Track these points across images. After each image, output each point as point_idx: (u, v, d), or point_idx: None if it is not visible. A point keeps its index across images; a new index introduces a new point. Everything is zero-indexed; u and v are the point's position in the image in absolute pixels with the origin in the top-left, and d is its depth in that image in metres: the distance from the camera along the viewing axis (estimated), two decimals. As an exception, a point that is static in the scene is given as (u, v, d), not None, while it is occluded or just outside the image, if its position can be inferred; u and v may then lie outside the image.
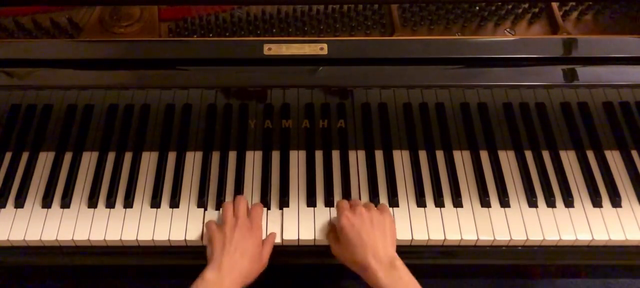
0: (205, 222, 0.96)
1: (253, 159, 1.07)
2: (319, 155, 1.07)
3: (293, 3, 0.96)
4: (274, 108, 1.01)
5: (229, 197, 1.02)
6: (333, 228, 0.96)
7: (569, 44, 0.92)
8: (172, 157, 1.06)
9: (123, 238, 0.96)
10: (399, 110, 1.03)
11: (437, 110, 1.03)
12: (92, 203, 1.00)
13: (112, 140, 1.06)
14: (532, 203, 1.00)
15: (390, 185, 1.02)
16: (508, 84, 0.92)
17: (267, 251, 0.94)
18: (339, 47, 0.90)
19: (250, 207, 0.98)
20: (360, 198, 1.01)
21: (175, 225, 0.97)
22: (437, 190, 1.01)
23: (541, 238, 0.96)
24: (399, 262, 0.87)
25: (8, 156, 1.07)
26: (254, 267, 0.90)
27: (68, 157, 1.06)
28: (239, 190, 1.02)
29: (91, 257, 1.00)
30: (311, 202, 1.00)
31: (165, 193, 1.02)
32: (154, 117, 1.03)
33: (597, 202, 1.01)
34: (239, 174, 1.04)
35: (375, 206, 0.97)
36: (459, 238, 0.96)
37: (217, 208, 1.00)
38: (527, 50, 0.91)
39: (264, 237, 0.96)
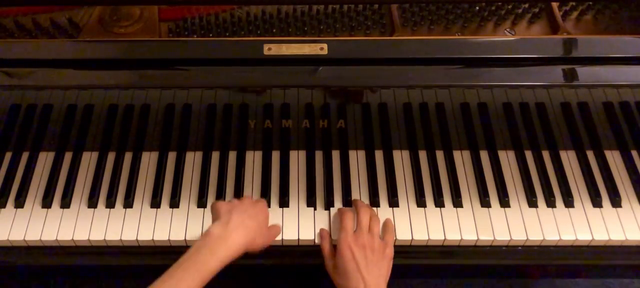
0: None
1: (253, 159, 1.07)
2: (319, 155, 1.07)
3: (293, 3, 0.96)
4: (274, 108, 1.01)
5: (228, 197, 1.02)
6: (329, 240, 0.95)
7: (569, 44, 0.92)
8: (172, 157, 1.06)
9: (123, 238, 0.96)
10: (399, 110, 1.03)
11: (437, 110, 1.03)
12: (92, 203, 1.00)
13: (112, 140, 1.06)
14: (532, 203, 1.00)
15: (390, 185, 1.02)
16: (508, 84, 0.92)
17: (274, 232, 0.93)
18: (339, 47, 0.90)
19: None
20: (360, 199, 1.01)
21: (175, 225, 0.97)
22: (437, 190, 1.01)
23: (541, 238, 0.96)
24: None
25: (8, 156, 1.07)
26: (261, 234, 0.89)
27: (68, 157, 1.07)
28: (239, 190, 1.02)
29: (91, 257, 1.00)
30: (311, 202, 1.00)
31: (165, 193, 1.02)
32: (154, 117, 1.03)
33: (597, 202, 1.01)
34: (239, 174, 1.04)
35: (378, 205, 0.96)
36: (459, 238, 0.96)
37: (217, 208, 1.00)
38: (527, 50, 0.91)
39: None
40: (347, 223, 0.93)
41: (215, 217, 0.89)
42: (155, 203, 1.00)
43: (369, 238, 0.91)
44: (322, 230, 0.97)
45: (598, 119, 1.04)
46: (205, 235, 0.84)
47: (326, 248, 0.94)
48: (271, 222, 0.98)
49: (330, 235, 0.96)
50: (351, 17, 0.95)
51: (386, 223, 0.97)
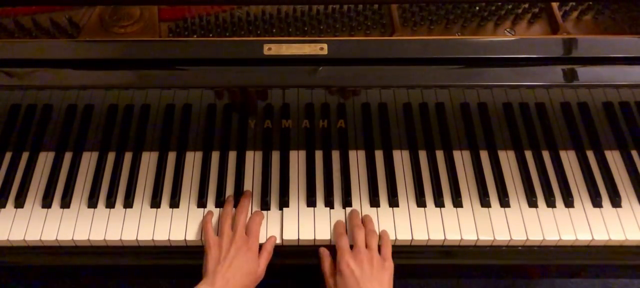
0: (204, 223, 0.96)
1: (253, 159, 1.07)
2: (319, 155, 1.07)
3: (293, 3, 0.96)
4: (274, 108, 1.01)
5: (228, 195, 1.02)
6: (329, 260, 0.95)
7: (569, 44, 0.92)
8: (172, 157, 1.06)
9: (123, 238, 0.96)
10: (399, 110, 1.03)
11: (437, 110, 1.03)
12: (92, 203, 1.00)
13: (112, 140, 1.06)
14: (532, 203, 1.00)
15: (390, 185, 1.02)
16: (508, 84, 0.92)
17: (263, 263, 0.94)
18: (339, 47, 0.90)
19: (249, 215, 0.98)
20: (360, 198, 1.01)
21: (175, 225, 0.97)
22: (437, 190, 1.01)
23: (541, 238, 0.96)
24: None
25: (8, 156, 1.07)
26: (249, 281, 0.91)
27: (68, 157, 1.07)
28: (238, 190, 1.02)
29: (91, 257, 1.00)
30: (311, 202, 1.00)
31: (165, 193, 1.02)
32: (154, 117, 1.03)
33: (597, 202, 1.01)
34: (239, 174, 1.04)
35: (378, 205, 0.96)
36: (459, 238, 0.96)
37: (217, 207, 1.00)
38: (527, 50, 0.91)
39: (263, 239, 0.96)
40: (342, 243, 0.93)
41: (205, 264, 0.91)
42: (155, 204, 1.00)
43: (367, 254, 0.92)
44: (322, 249, 0.97)
45: (598, 119, 1.04)
46: None
47: (327, 266, 0.95)
48: (270, 222, 0.98)
49: (330, 255, 0.96)
50: (351, 17, 0.95)
51: (382, 236, 0.96)
